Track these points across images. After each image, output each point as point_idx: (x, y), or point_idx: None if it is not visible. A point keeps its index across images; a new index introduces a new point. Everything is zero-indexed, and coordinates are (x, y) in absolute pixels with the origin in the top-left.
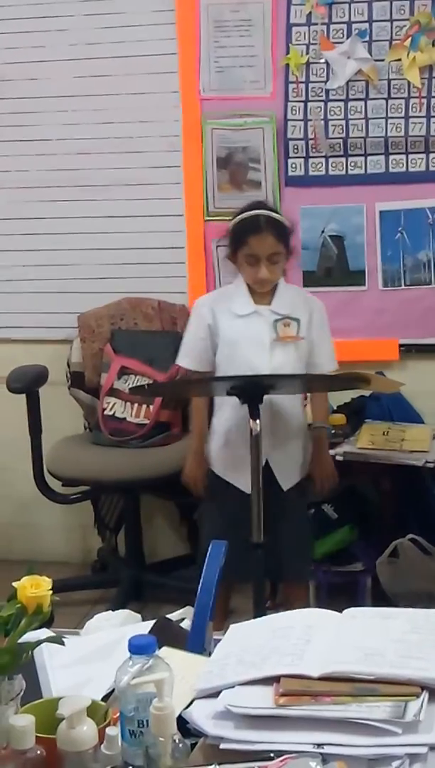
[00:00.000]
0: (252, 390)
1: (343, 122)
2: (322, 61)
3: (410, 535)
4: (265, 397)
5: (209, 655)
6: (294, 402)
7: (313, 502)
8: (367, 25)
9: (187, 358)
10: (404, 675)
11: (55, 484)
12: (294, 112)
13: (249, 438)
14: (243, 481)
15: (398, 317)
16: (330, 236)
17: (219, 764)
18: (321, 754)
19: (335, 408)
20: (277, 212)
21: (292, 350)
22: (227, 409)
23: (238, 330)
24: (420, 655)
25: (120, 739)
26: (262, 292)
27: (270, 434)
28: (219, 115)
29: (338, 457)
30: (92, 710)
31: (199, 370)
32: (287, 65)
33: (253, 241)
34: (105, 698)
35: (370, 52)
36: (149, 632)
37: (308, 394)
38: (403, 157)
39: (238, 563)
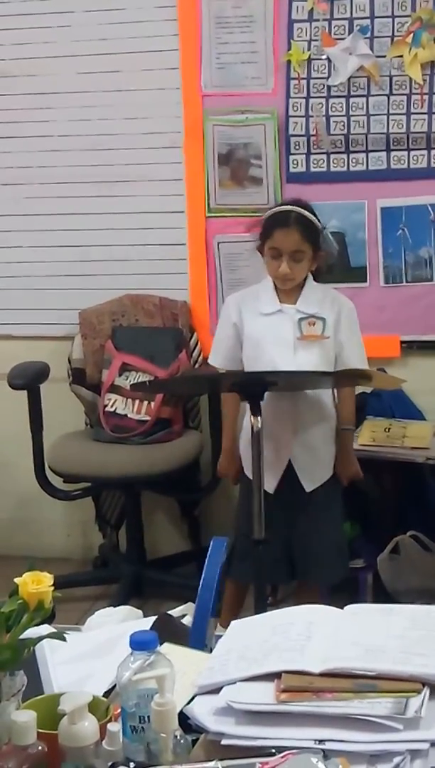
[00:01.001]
0: (252, 387)
1: (345, 119)
2: (324, 57)
3: (411, 532)
4: (289, 394)
5: (210, 651)
6: (322, 403)
7: None
8: (368, 21)
9: (217, 357)
10: (405, 671)
11: (56, 481)
12: (295, 108)
13: (273, 437)
14: (265, 481)
15: (399, 314)
16: (331, 233)
17: (220, 760)
18: (322, 750)
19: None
20: (313, 212)
21: (316, 349)
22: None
23: (263, 328)
24: (421, 652)
25: (121, 734)
26: (289, 291)
27: (293, 435)
28: (220, 112)
29: None
30: (93, 706)
31: (228, 368)
32: (289, 61)
33: (278, 235)
34: (106, 694)
35: (371, 49)
36: (150, 628)
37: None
38: (405, 153)
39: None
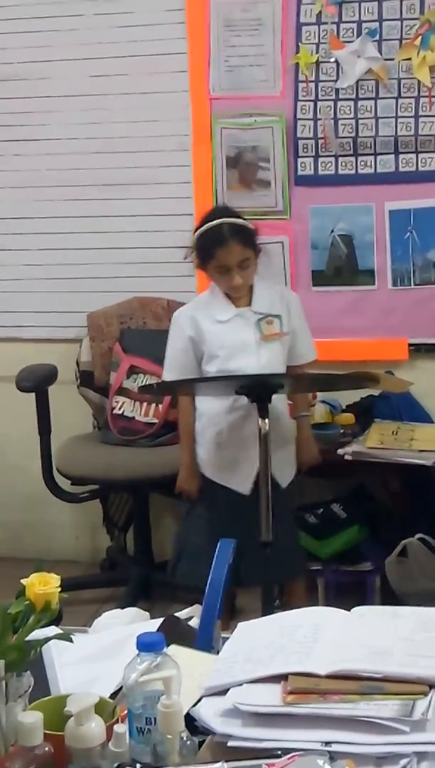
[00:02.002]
0: (261, 389)
1: (353, 121)
2: (332, 60)
3: (419, 535)
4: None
5: (217, 653)
6: (284, 403)
7: (323, 502)
8: (377, 24)
9: (172, 372)
10: (412, 673)
11: (64, 483)
12: (304, 111)
13: (240, 439)
14: (236, 482)
15: (407, 316)
16: (339, 235)
17: (226, 762)
18: (329, 752)
19: (344, 407)
20: (237, 216)
21: (277, 347)
22: (213, 414)
23: (224, 335)
24: (428, 654)
25: (128, 736)
26: (239, 295)
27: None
28: (229, 115)
29: (347, 457)
30: (100, 707)
31: (169, 381)
32: (297, 64)
33: (221, 253)
34: (113, 695)
35: (380, 51)
36: (157, 630)
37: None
38: (413, 156)
39: (237, 565)
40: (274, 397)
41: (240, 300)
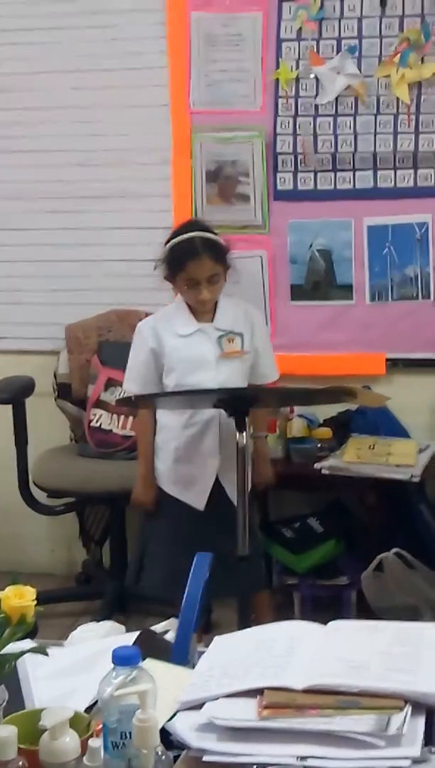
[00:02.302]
0: (238, 403)
1: (332, 137)
2: (312, 76)
3: (395, 549)
4: (213, 417)
5: (193, 667)
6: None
7: (299, 516)
8: (356, 41)
9: (133, 383)
10: (388, 688)
11: (40, 495)
12: (283, 126)
13: (197, 454)
14: (193, 497)
15: (385, 332)
16: (318, 250)
17: None
18: (304, 766)
19: (322, 422)
20: (210, 231)
21: (237, 365)
22: (174, 428)
23: (183, 350)
24: (404, 668)
25: (102, 750)
26: (204, 310)
27: (219, 453)
28: (208, 129)
29: (324, 471)
30: (75, 721)
31: (143, 392)
32: (277, 80)
33: (191, 266)
34: (88, 709)
35: (359, 68)
36: (133, 644)
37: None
38: (392, 172)
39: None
40: (224, 416)
41: (203, 315)
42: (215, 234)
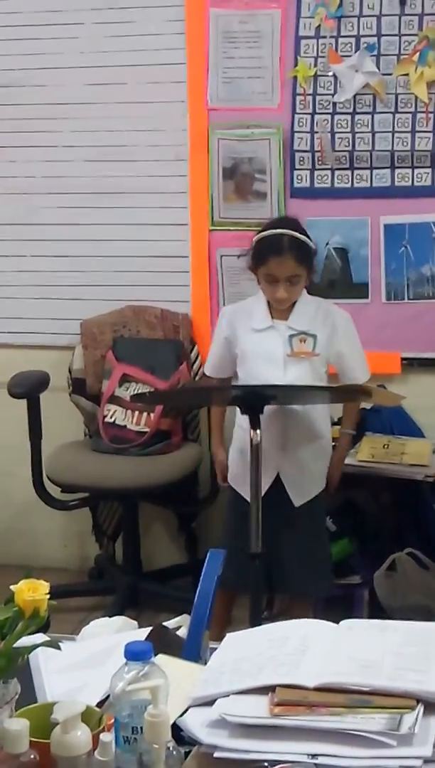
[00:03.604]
0: (252, 400)
1: (350, 135)
2: (330, 74)
3: (408, 549)
4: (278, 409)
5: (205, 663)
6: (312, 416)
7: None
8: (375, 39)
9: (209, 367)
10: (400, 687)
11: (54, 490)
12: (301, 124)
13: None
14: (246, 490)
15: (401, 331)
16: (334, 248)
17: None
18: (315, 764)
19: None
20: (303, 231)
21: (306, 366)
22: (240, 422)
23: (254, 344)
24: (416, 668)
25: (114, 745)
26: (281, 308)
27: (281, 447)
28: (226, 126)
29: None
30: (87, 716)
31: (216, 376)
32: (295, 77)
33: (274, 263)
34: (100, 704)
35: (378, 66)
36: (145, 639)
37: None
38: (409, 171)
39: (241, 573)
40: (292, 408)
41: (280, 312)
42: (306, 235)
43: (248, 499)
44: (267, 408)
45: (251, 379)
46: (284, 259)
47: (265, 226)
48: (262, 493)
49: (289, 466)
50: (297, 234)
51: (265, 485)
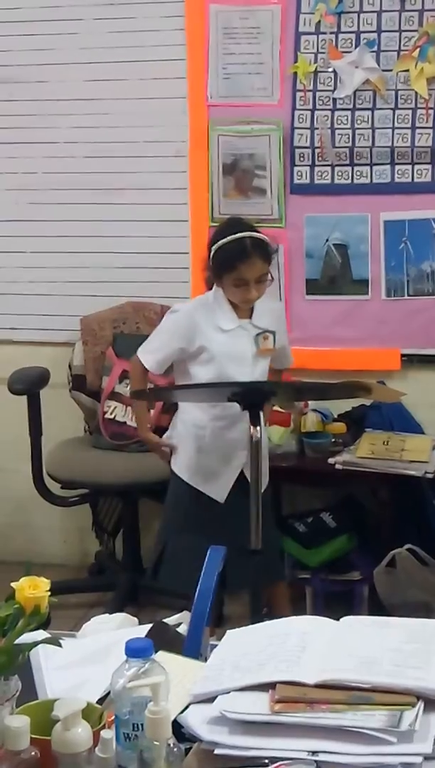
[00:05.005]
0: (253, 397)
1: (350, 131)
2: (330, 70)
3: (408, 546)
4: (241, 411)
5: (205, 660)
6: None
7: (312, 510)
8: (375, 35)
9: (151, 357)
10: (400, 684)
11: (54, 487)
12: (301, 120)
13: (222, 447)
14: (215, 490)
15: (400, 327)
16: (334, 245)
17: None
18: (315, 761)
19: (336, 416)
20: (256, 230)
21: (267, 362)
22: (198, 415)
23: (222, 345)
24: (416, 665)
25: (114, 742)
26: (246, 307)
27: (246, 445)
28: (226, 122)
29: (338, 466)
30: (87, 713)
31: (156, 372)
32: (295, 73)
33: (243, 268)
34: (100, 701)
35: (378, 62)
36: (146, 636)
37: None
38: (409, 167)
39: (182, 569)
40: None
41: (243, 312)
42: (260, 233)
43: (214, 498)
44: (235, 407)
45: (222, 379)
46: (252, 262)
47: (217, 233)
48: (229, 489)
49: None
50: (257, 234)
51: (230, 481)
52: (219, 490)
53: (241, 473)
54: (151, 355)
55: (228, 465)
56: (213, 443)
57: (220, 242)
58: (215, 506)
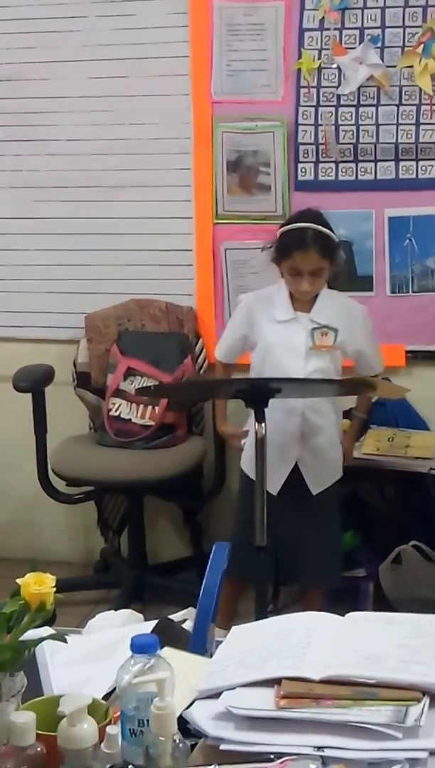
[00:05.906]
0: (256, 393)
1: (354, 128)
2: (334, 66)
3: (413, 542)
4: (299, 401)
5: (211, 656)
6: (329, 405)
7: None
8: (379, 31)
9: (219, 346)
10: (405, 680)
11: (59, 484)
12: (305, 116)
13: (280, 440)
14: (269, 483)
15: (405, 323)
16: (338, 241)
17: (219, 765)
18: (321, 756)
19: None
20: (326, 224)
21: (327, 359)
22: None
23: (276, 335)
24: (421, 660)
25: (120, 737)
26: (303, 300)
27: (301, 438)
28: (230, 119)
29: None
30: (93, 708)
31: (224, 361)
32: (299, 70)
33: (298, 256)
34: (106, 697)
35: (382, 58)
36: (151, 632)
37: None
38: (413, 163)
39: (250, 564)
40: (311, 401)
41: (302, 304)
42: (330, 228)
43: (268, 490)
44: (291, 401)
45: (273, 370)
46: (309, 253)
47: (288, 219)
48: (282, 482)
49: (307, 455)
50: (321, 227)
51: (284, 474)
52: (272, 483)
53: (296, 466)
54: (220, 345)
55: (283, 457)
56: (270, 436)
57: (285, 228)
58: (269, 498)
